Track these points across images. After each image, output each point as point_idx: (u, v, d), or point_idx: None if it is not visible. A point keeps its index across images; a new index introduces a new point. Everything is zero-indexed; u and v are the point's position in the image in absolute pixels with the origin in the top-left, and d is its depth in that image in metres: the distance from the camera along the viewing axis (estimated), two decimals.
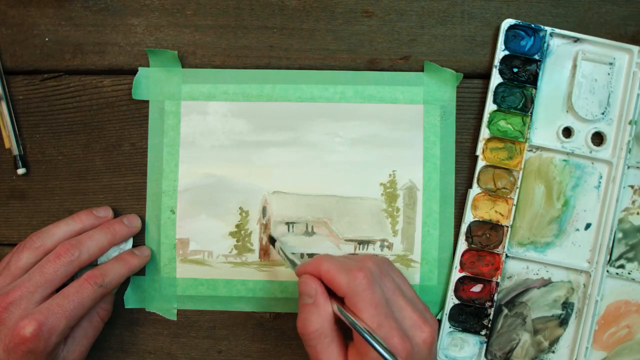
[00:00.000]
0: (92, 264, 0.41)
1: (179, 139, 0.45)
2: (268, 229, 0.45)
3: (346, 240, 0.45)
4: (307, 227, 0.45)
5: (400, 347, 0.34)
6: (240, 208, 0.45)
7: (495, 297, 0.43)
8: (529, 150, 0.44)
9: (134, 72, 0.45)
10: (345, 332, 0.37)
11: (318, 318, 0.35)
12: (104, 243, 0.41)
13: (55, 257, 0.39)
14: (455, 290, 0.44)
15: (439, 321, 0.44)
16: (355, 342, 0.35)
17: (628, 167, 0.43)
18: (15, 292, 0.37)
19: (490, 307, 0.43)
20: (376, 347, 0.33)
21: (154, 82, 0.45)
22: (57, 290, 0.39)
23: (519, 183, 0.43)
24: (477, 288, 0.44)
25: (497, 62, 0.44)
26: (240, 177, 0.45)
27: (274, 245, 0.44)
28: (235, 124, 0.45)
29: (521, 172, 0.43)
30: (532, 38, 0.44)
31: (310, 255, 0.45)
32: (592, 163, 0.44)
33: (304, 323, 0.36)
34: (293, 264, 0.40)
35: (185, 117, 0.45)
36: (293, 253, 0.44)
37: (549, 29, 0.43)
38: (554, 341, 0.44)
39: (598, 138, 0.44)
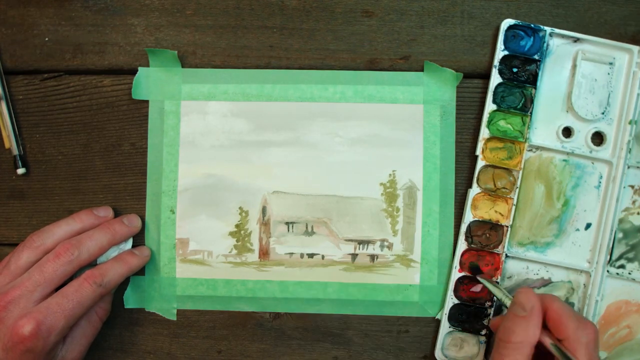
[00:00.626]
0: (92, 263, 0.41)
1: (179, 139, 0.45)
2: (268, 229, 0.45)
3: (346, 240, 0.45)
4: (307, 227, 0.45)
5: None
6: (240, 208, 0.45)
7: (495, 297, 0.43)
8: (529, 150, 0.44)
9: (134, 72, 0.45)
10: None
11: (524, 332, 0.35)
12: (103, 243, 0.41)
13: (54, 257, 0.39)
14: (455, 290, 0.44)
15: (439, 321, 0.44)
16: None
17: (628, 167, 0.43)
18: (14, 291, 0.37)
19: (490, 307, 0.43)
20: None
21: (154, 82, 0.45)
22: (57, 289, 0.39)
23: (518, 183, 0.43)
24: (477, 288, 0.44)
25: (496, 62, 0.44)
26: (240, 177, 0.45)
27: (476, 275, 0.43)
28: (235, 124, 0.45)
29: (521, 172, 0.43)
30: (532, 38, 0.44)
31: (311, 256, 0.45)
32: (592, 163, 0.44)
33: (507, 331, 0.36)
34: (506, 296, 0.39)
35: (185, 117, 0.45)
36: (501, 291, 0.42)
37: (548, 29, 0.43)
38: None
39: (598, 138, 0.44)
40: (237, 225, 0.45)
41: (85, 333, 0.41)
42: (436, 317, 0.44)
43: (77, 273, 0.40)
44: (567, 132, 0.44)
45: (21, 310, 0.37)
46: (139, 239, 0.45)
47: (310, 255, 0.45)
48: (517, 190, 0.43)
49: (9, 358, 0.36)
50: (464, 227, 0.44)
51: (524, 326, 0.36)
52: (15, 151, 0.45)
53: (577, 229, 0.44)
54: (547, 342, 0.36)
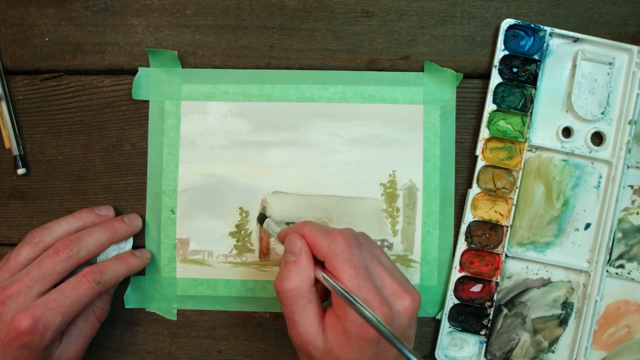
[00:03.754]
0: (91, 262, 0.41)
1: (179, 139, 0.45)
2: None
3: None
4: None
5: (379, 312, 0.33)
6: (240, 208, 0.45)
7: (495, 297, 0.43)
8: (529, 150, 0.44)
9: (134, 72, 0.45)
10: (324, 296, 0.37)
11: (297, 277, 0.35)
12: (103, 240, 0.41)
13: (54, 253, 0.39)
14: (455, 290, 0.44)
15: (439, 321, 0.44)
16: (334, 307, 0.35)
17: (628, 167, 0.43)
18: (13, 287, 0.37)
19: (490, 307, 0.43)
20: (358, 307, 0.33)
21: (154, 82, 0.45)
22: (56, 286, 0.39)
23: (518, 183, 0.43)
24: (476, 288, 0.44)
25: (496, 62, 0.44)
26: (240, 177, 0.45)
27: (262, 224, 0.43)
28: (235, 124, 0.45)
29: (521, 172, 0.43)
30: (532, 38, 0.44)
31: None
32: (592, 163, 0.44)
33: (281, 280, 0.35)
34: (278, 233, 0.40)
35: (185, 117, 0.45)
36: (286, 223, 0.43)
37: (548, 29, 0.43)
38: (554, 341, 0.44)
39: (598, 138, 0.44)
40: (237, 226, 0.45)
41: (83, 333, 0.41)
42: (436, 317, 0.44)
43: (77, 271, 0.40)
44: (567, 132, 0.44)
45: (19, 305, 0.37)
46: (139, 239, 0.45)
47: None
48: (517, 190, 0.43)
49: (6, 353, 0.36)
50: (464, 227, 0.44)
51: (296, 270, 0.35)
52: (16, 151, 0.45)
53: (577, 229, 0.44)
54: (319, 275, 0.35)
